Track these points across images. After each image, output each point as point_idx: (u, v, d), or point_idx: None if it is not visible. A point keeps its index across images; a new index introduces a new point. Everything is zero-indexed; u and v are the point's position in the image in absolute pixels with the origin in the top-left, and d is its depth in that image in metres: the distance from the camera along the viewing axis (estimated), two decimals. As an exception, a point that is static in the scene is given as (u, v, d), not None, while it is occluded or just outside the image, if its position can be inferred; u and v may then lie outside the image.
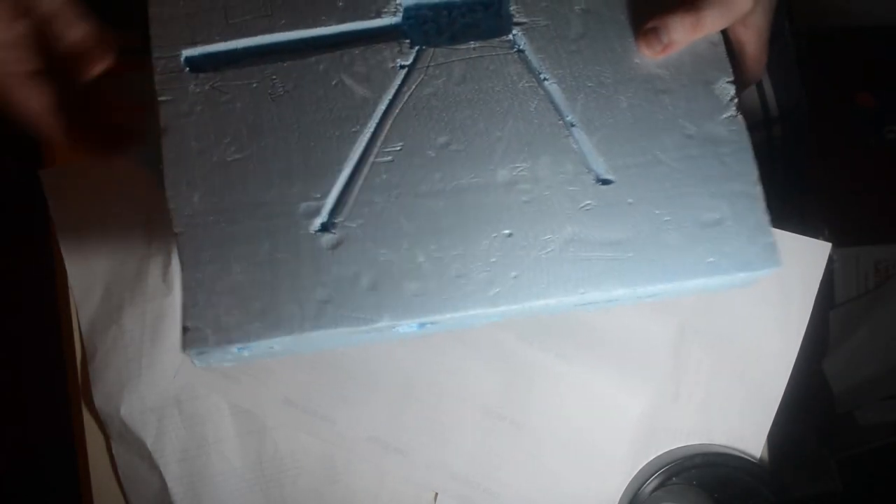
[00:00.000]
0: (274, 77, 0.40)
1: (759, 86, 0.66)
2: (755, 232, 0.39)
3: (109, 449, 0.54)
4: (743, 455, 0.54)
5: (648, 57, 0.41)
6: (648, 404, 0.54)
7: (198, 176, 0.39)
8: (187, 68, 0.41)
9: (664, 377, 0.54)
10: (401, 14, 0.42)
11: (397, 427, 0.53)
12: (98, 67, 0.42)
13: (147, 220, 0.54)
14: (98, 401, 0.53)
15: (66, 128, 0.43)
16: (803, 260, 0.54)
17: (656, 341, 0.53)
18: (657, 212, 0.39)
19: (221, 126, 0.40)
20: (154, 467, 0.53)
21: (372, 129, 0.40)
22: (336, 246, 0.38)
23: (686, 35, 0.41)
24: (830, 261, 0.55)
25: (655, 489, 0.53)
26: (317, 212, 0.38)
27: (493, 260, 0.38)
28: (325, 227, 0.38)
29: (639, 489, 0.53)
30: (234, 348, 0.37)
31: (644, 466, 0.54)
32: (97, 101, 0.44)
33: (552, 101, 0.41)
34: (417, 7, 0.43)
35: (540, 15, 0.42)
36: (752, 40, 0.44)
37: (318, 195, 0.38)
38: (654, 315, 0.53)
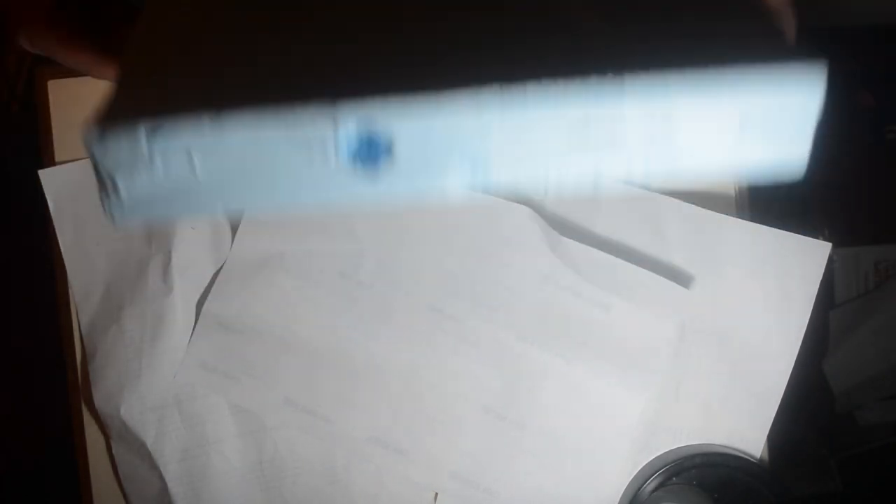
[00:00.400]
0: None
1: None
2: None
3: (109, 449, 0.54)
4: (743, 455, 0.54)
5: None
6: (648, 404, 0.54)
7: None
8: None
9: (664, 377, 0.54)
10: None
11: (397, 427, 0.53)
12: None
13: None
14: (98, 401, 0.53)
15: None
16: (803, 260, 0.54)
17: (656, 341, 0.53)
18: None
19: None
20: (154, 467, 0.53)
21: None
22: None
23: None
24: (830, 261, 0.55)
25: (655, 489, 0.53)
26: None
27: None
28: None
29: (639, 489, 0.53)
30: (142, 137, 0.29)
31: (644, 466, 0.54)
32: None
33: None
34: None
35: None
36: None
37: None
38: (654, 315, 0.53)
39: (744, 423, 0.54)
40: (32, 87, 0.57)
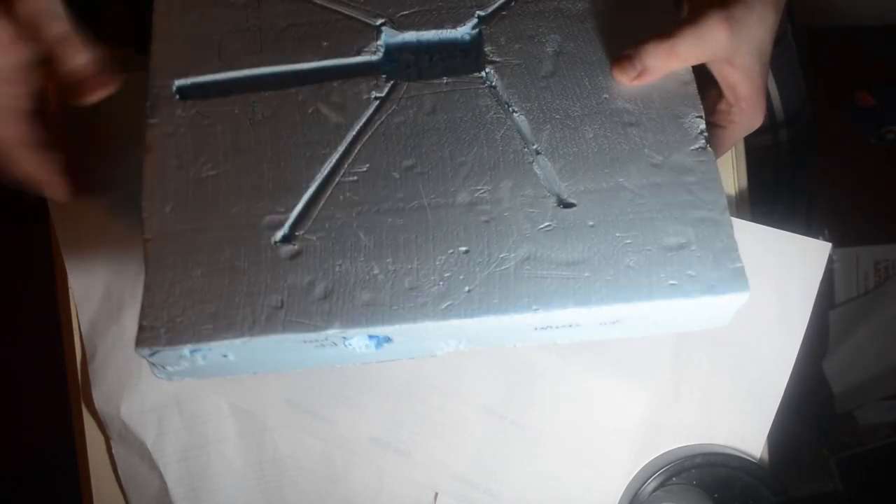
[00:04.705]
0: (255, 104, 0.43)
1: None
2: (721, 257, 0.39)
3: (109, 449, 0.54)
4: (743, 455, 0.54)
5: (624, 83, 0.42)
6: (648, 404, 0.54)
7: (172, 189, 0.41)
8: (177, 96, 0.44)
9: (664, 377, 0.54)
10: (381, 54, 0.45)
11: (397, 427, 0.53)
12: (100, 94, 0.42)
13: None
14: (98, 401, 0.53)
15: (55, 175, 0.47)
16: (803, 260, 0.54)
17: (656, 341, 0.53)
18: (618, 234, 0.40)
19: (201, 146, 0.42)
20: (154, 467, 0.53)
21: (341, 152, 0.42)
22: (294, 256, 0.39)
23: (660, 63, 0.41)
24: (830, 261, 0.55)
25: (655, 489, 0.53)
26: (280, 225, 0.40)
27: (448, 275, 0.39)
28: (285, 239, 0.40)
29: (639, 489, 0.53)
30: (186, 350, 0.38)
31: (644, 466, 0.54)
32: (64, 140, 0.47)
33: (518, 131, 0.42)
34: (399, 50, 0.46)
35: (513, 56, 0.45)
36: (743, 82, 0.43)
37: (283, 210, 0.40)
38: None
39: (744, 423, 0.54)
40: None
